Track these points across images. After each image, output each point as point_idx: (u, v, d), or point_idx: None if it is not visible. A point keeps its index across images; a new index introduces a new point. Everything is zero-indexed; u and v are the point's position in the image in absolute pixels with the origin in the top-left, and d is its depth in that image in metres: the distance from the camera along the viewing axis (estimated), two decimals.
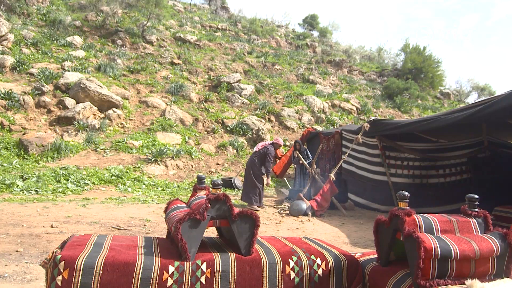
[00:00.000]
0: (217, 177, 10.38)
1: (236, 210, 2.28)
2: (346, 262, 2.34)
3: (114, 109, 11.88)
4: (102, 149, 10.34)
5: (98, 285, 1.92)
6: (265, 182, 7.84)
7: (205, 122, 12.98)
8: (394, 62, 24.46)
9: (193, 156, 10.98)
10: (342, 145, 9.23)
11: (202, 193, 2.72)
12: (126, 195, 8.14)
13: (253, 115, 13.94)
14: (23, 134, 9.92)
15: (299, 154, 9.01)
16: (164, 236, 2.75)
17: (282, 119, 14.22)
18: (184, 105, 13.48)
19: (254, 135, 12.76)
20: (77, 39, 15.19)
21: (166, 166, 10.22)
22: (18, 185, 7.70)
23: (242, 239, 2.23)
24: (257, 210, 7.59)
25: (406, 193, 2.22)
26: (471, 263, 1.98)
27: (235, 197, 8.82)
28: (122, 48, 15.94)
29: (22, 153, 9.38)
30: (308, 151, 9.67)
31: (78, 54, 14.08)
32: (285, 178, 11.02)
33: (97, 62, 14.01)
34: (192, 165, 10.69)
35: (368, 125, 7.77)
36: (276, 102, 15.33)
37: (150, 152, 10.40)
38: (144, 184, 9.00)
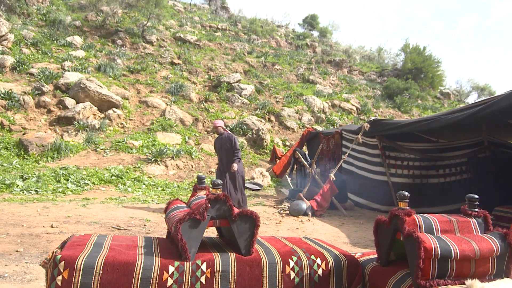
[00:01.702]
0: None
1: (236, 210, 2.28)
2: (346, 262, 2.33)
3: (114, 109, 11.87)
4: (102, 149, 10.34)
5: (98, 285, 1.92)
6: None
7: (205, 122, 12.97)
8: (394, 62, 24.48)
9: (193, 156, 10.97)
10: (342, 145, 9.23)
11: (202, 193, 2.72)
12: (126, 195, 8.14)
13: (253, 115, 13.93)
14: (23, 134, 9.91)
15: (299, 162, 9.17)
16: (164, 236, 2.75)
17: (282, 119, 14.22)
18: (184, 105, 13.48)
19: (254, 135, 12.76)
20: (77, 39, 15.19)
21: (166, 166, 10.22)
22: (18, 185, 7.69)
23: (242, 239, 2.23)
24: None
25: (406, 193, 2.22)
26: (471, 263, 1.98)
27: None
28: (122, 48, 15.93)
29: (22, 153, 9.37)
30: (306, 156, 9.69)
31: (78, 54, 14.07)
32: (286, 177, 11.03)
33: (97, 62, 14.01)
34: (192, 165, 10.68)
35: (368, 125, 7.77)
36: (276, 102, 15.32)
37: (150, 152, 10.39)
38: (144, 184, 9.00)
